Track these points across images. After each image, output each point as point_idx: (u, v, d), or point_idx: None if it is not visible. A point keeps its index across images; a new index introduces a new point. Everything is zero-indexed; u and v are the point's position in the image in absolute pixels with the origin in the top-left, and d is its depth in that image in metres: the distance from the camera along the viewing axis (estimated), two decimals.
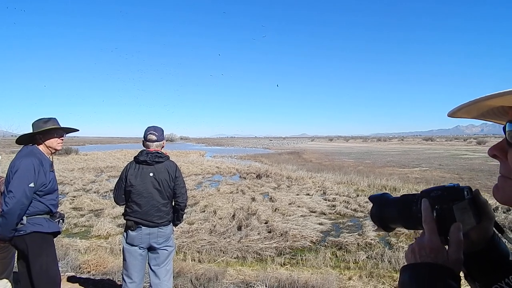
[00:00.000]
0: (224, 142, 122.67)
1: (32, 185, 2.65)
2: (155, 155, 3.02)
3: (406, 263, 0.69)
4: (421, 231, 0.68)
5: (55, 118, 2.95)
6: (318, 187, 14.03)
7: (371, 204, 0.81)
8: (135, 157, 3.06)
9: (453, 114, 0.64)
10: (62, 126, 2.98)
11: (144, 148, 3.08)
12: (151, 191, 2.96)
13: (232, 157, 35.09)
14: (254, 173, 18.17)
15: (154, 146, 3.08)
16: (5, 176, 3.20)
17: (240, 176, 18.25)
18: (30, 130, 2.88)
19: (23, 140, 2.91)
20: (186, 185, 3.31)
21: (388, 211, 0.76)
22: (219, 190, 13.03)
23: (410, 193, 0.76)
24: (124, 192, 3.00)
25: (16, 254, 3.14)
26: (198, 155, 37.38)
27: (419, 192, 0.70)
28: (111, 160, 28.38)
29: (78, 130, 3.22)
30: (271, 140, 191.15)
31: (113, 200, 3.20)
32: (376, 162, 28.93)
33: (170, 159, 3.17)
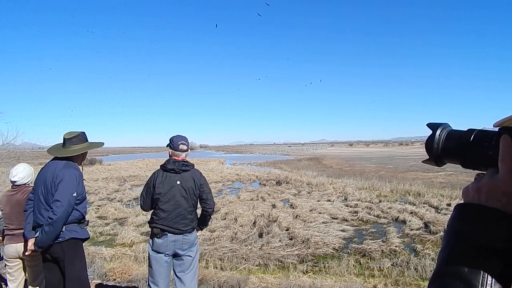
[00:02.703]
0: (243, 149, 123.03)
1: (75, 194, 2.81)
2: (182, 164, 3.08)
3: (463, 201, 0.59)
4: (488, 170, 0.58)
5: (83, 133, 3.12)
6: (339, 193, 13.84)
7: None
8: (162, 166, 3.12)
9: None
10: (91, 142, 3.18)
11: (171, 157, 3.15)
12: (178, 199, 3.02)
13: (251, 164, 35.20)
14: (274, 180, 18.13)
15: (183, 156, 3.16)
16: (32, 185, 3.36)
17: (260, 183, 18.24)
18: (60, 141, 3.06)
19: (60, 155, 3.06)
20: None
21: (451, 142, 0.65)
22: (239, 197, 13.06)
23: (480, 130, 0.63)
24: (151, 199, 3.08)
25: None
26: (218, 163, 37.70)
27: (497, 129, 0.59)
28: (134, 169, 29.02)
29: (103, 144, 3.40)
30: (290, 146, 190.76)
31: (140, 207, 3.27)
32: (398, 167, 28.30)
33: (194, 167, 3.23)
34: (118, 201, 13.12)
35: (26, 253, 2.72)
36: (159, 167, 3.15)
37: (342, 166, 31.22)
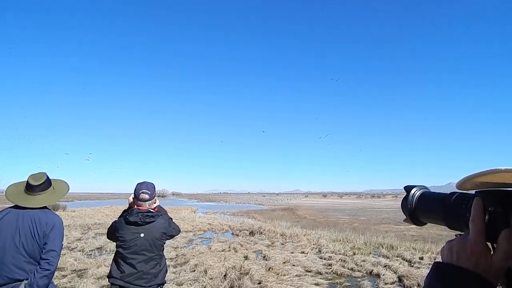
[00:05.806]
0: (216, 198, 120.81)
1: (63, 243, 2.61)
2: (146, 215, 2.91)
3: (441, 260, 0.63)
4: (465, 231, 0.61)
5: (46, 174, 2.85)
6: (313, 244, 13.60)
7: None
8: (124, 217, 2.94)
9: (460, 184, 0.64)
10: (54, 179, 2.92)
11: (135, 207, 3.00)
12: (141, 253, 2.83)
13: (224, 213, 34.38)
14: (247, 230, 17.66)
15: (146, 205, 3.01)
16: None
17: (232, 233, 17.69)
18: (19, 181, 2.80)
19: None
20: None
21: (430, 204, 0.68)
22: (210, 248, 12.51)
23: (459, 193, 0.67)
24: (114, 239, 2.94)
25: None
26: (190, 211, 36.48)
27: (474, 192, 0.63)
28: (99, 216, 27.45)
29: (69, 189, 3.15)
30: (264, 196, 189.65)
31: (106, 237, 3.22)
32: (371, 219, 28.53)
33: (161, 215, 3.08)
34: (79, 251, 12.16)
35: None
36: (121, 217, 2.98)
37: (316, 217, 31.09)
